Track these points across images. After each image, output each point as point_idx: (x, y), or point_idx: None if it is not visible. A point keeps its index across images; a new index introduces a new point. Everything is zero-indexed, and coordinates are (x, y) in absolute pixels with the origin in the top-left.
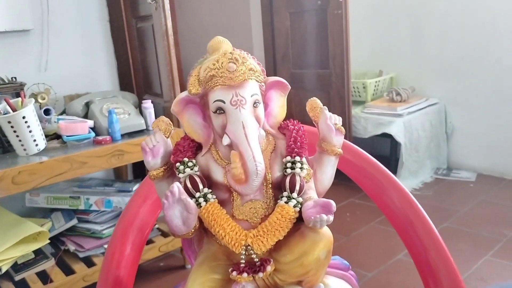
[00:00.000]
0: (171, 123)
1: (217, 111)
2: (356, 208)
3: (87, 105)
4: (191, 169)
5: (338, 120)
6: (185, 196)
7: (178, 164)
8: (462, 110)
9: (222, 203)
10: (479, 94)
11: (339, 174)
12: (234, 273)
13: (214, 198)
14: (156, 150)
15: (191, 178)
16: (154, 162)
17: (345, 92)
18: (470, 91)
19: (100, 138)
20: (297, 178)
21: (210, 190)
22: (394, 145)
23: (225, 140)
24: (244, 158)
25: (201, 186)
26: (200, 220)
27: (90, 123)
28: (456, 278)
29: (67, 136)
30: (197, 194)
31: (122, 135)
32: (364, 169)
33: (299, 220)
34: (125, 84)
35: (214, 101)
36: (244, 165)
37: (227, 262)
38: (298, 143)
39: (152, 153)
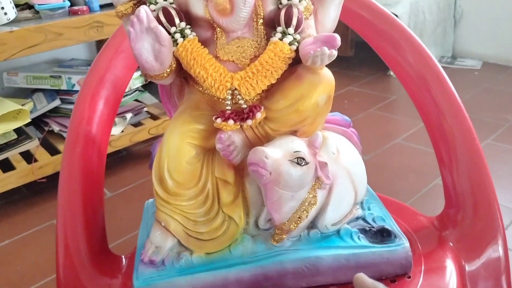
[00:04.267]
0: None
1: None
2: (355, 95)
3: None
4: (165, 0)
5: None
6: (155, 24)
7: None
8: None
9: (204, 43)
10: None
11: (337, 62)
12: (219, 120)
13: (193, 35)
14: None
15: (165, 10)
16: None
17: None
18: None
19: (76, 8)
20: (294, 10)
21: (188, 26)
22: None
23: None
24: None
25: (177, 20)
26: (179, 65)
27: None
28: (474, 146)
29: (39, 4)
30: (173, 29)
31: (102, 6)
32: (377, 26)
33: (295, 64)
34: None
35: None
36: None
37: (211, 113)
38: None
39: None
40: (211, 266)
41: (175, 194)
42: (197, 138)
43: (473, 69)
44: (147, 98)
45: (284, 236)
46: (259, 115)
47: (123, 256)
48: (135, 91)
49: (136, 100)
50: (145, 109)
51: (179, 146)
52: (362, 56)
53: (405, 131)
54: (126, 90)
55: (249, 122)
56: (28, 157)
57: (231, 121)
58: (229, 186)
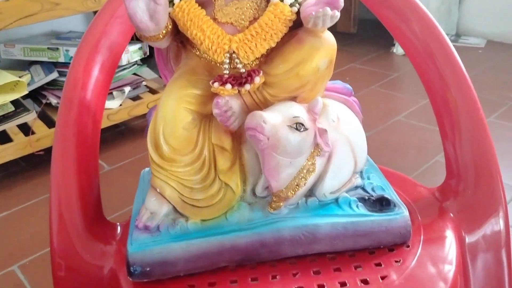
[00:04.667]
0: None
1: None
2: (357, 73)
3: None
4: None
5: None
6: None
7: None
8: None
9: (201, 4)
10: None
11: (340, 39)
12: (216, 84)
13: None
14: None
15: None
16: None
17: None
18: None
19: None
20: None
21: None
22: None
23: None
24: None
25: None
26: (175, 27)
27: None
28: (478, 117)
29: None
30: None
31: None
32: None
33: (296, 28)
34: None
35: None
36: None
37: (208, 78)
38: None
39: None
40: (207, 233)
41: (170, 160)
42: (194, 103)
43: (477, 48)
44: (146, 72)
45: (281, 204)
46: (258, 80)
47: (118, 224)
48: (134, 64)
49: (134, 74)
50: (144, 83)
51: (175, 111)
52: (365, 33)
53: (406, 108)
54: (124, 63)
55: (247, 86)
56: (25, 129)
57: (228, 86)
58: (226, 152)
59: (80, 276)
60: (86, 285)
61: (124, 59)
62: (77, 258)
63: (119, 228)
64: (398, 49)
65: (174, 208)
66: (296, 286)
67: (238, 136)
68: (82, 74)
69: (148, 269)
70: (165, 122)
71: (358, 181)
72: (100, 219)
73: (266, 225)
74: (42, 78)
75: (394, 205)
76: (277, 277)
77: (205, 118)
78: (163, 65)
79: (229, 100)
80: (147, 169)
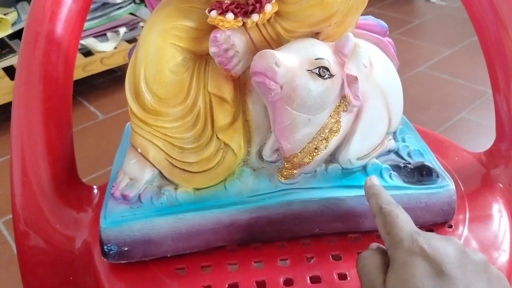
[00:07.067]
0: None
1: None
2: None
3: None
4: None
5: None
6: None
7: None
8: None
9: None
10: None
11: None
12: (214, 13)
13: None
14: None
15: None
16: None
17: None
18: None
19: None
20: None
21: None
22: None
23: None
24: None
25: None
26: None
27: None
28: None
29: None
30: None
31: None
32: None
33: None
34: None
35: None
36: None
37: (205, 6)
38: None
39: None
40: (201, 205)
41: (155, 113)
42: (185, 39)
43: None
44: (144, 12)
45: (295, 171)
46: (269, 8)
47: (94, 186)
48: (131, 3)
49: (131, 13)
50: (141, 24)
51: (160, 48)
52: None
53: (429, 58)
54: (119, 1)
55: (255, 17)
56: (11, 71)
57: (230, 15)
58: (226, 104)
59: (49, 246)
60: (54, 258)
61: None
62: (45, 225)
63: (95, 191)
64: None
65: (160, 174)
66: (311, 274)
67: (241, 84)
68: (51, 2)
69: (126, 248)
70: (146, 63)
71: (391, 144)
72: (74, 180)
73: (274, 198)
74: None
75: (437, 176)
76: (287, 261)
77: (200, 59)
78: None
79: (230, 36)
80: None
